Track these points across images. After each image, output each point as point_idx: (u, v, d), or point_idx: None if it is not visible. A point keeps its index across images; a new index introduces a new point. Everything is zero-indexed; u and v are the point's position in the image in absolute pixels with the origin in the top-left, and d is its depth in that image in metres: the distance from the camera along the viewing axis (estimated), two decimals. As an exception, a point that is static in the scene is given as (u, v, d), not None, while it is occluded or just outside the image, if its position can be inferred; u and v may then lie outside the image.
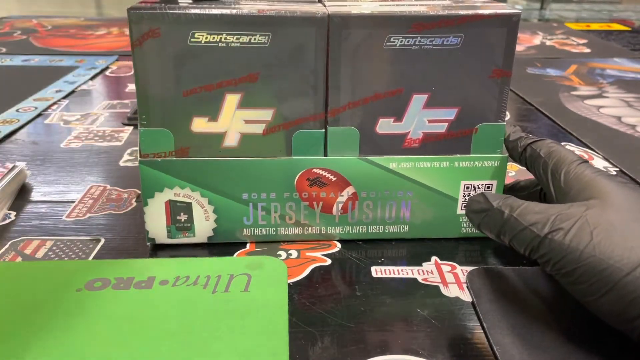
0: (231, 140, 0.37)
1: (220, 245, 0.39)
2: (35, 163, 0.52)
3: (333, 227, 0.39)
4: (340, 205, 0.39)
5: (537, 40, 1.08)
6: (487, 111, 0.37)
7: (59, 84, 0.76)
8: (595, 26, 1.21)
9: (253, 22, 0.34)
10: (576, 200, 0.31)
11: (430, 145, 0.38)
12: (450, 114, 0.37)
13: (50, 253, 0.38)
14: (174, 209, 0.38)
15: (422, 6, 0.37)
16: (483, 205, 0.33)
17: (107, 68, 0.85)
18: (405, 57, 0.35)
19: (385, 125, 0.37)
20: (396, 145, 0.38)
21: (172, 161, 0.37)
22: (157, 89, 0.35)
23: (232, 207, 0.38)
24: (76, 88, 0.75)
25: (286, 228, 0.39)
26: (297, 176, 0.37)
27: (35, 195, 0.47)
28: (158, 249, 0.39)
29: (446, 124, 0.37)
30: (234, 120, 0.36)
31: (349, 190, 0.38)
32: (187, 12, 0.34)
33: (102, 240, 0.40)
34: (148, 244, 0.39)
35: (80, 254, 0.38)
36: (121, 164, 0.53)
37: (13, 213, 0.44)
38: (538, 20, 1.32)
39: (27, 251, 0.38)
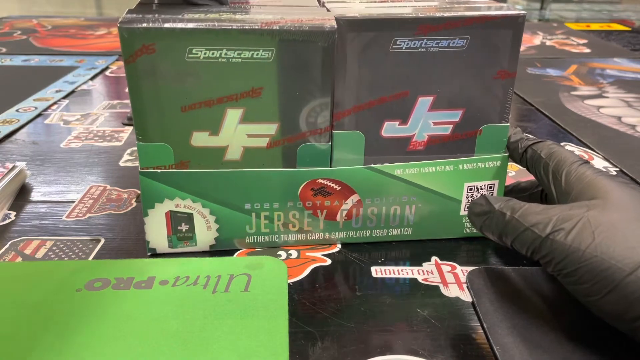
0: (233, 154, 0.36)
1: (221, 246, 0.39)
2: (35, 163, 0.52)
3: (337, 233, 0.39)
4: (345, 213, 0.38)
5: (537, 40, 1.08)
6: (492, 112, 0.37)
7: (59, 84, 0.76)
8: (595, 26, 1.21)
9: (256, 38, 0.32)
10: (577, 201, 0.31)
11: (435, 147, 0.38)
12: (455, 115, 0.37)
13: (50, 253, 0.38)
14: (175, 219, 0.37)
15: (420, 7, 0.37)
16: (485, 208, 0.33)
17: (107, 68, 0.84)
18: (411, 60, 0.35)
19: (390, 129, 0.37)
20: (401, 148, 0.38)
21: (172, 173, 0.36)
22: (153, 105, 0.34)
23: (235, 217, 0.37)
24: (76, 88, 0.75)
25: (288, 235, 0.39)
26: (301, 187, 0.37)
27: (35, 196, 0.47)
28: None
29: (451, 126, 0.37)
30: (236, 135, 0.35)
31: (354, 198, 0.38)
32: (184, 27, 0.32)
33: (102, 241, 0.40)
34: (149, 254, 0.38)
35: (80, 254, 0.38)
36: (121, 164, 0.53)
37: (13, 213, 0.44)
38: (538, 21, 1.32)
39: (27, 251, 0.38)
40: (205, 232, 0.38)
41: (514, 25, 0.35)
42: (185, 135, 0.35)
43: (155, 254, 0.38)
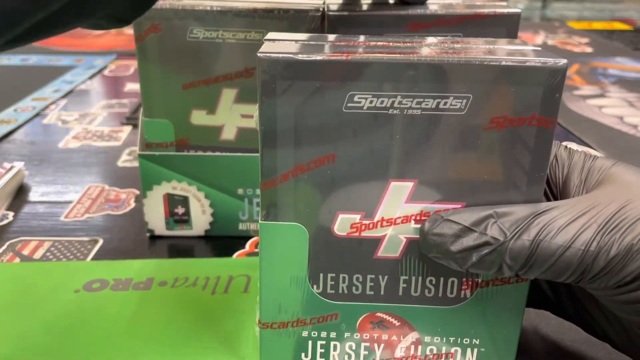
0: (229, 134, 0.38)
1: (219, 242, 0.39)
2: (33, 163, 0.52)
3: None
4: None
5: (539, 39, 1.07)
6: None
7: (57, 84, 0.75)
8: (597, 25, 1.21)
9: (248, 20, 0.35)
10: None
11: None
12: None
13: (48, 254, 0.38)
14: (172, 202, 0.39)
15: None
16: (476, 241, 0.22)
17: (105, 67, 0.84)
18: None
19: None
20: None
21: (169, 156, 0.38)
22: (158, 82, 0.37)
23: (228, 202, 0.39)
24: (74, 88, 0.74)
25: None
26: None
27: (33, 196, 0.46)
28: (157, 240, 0.40)
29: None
30: (231, 114, 0.37)
31: None
32: (186, 8, 0.35)
33: (101, 241, 0.40)
34: (147, 234, 0.40)
35: (78, 254, 0.38)
36: (119, 164, 0.52)
37: (11, 213, 0.43)
38: (540, 20, 1.32)
39: (25, 252, 0.38)
40: (200, 216, 0.39)
41: (508, 24, 0.34)
42: (186, 113, 0.37)
43: (153, 237, 0.40)
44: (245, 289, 0.34)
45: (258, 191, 0.38)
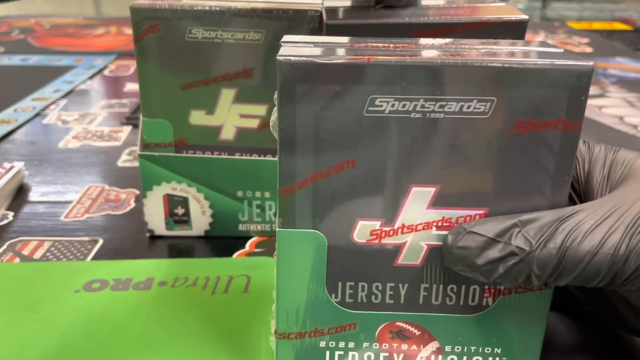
0: (227, 134, 0.38)
1: (219, 242, 0.39)
2: (33, 163, 0.52)
3: None
4: None
5: (538, 39, 1.07)
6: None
7: (57, 84, 0.75)
8: (597, 25, 1.21)
9: (246, 20, 0.35)
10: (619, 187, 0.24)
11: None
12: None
13: (48, 254, 0.38)
14: (172, 202, 0.39)
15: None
16: (501, 253, 0.22)
17: (105, 67, 0.84)
18: None
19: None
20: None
21: (169, 157, 0.38)
22: (157, 82, 0.36)
23: (228, 204, 0.39)
24: (74, 88, 0.74)
25: None
26: None
27: (33, 196, 0.46)
28: (157, 240, 0.40)
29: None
30: (230, 115, 0.37)
31: None
32: (185, 8, 0.35)
33: (101, 241, 0.40)
34: (147, 234, 0.40)
35: (78, 254, 0.38)
36: (119, 164, 0.52)
37: (11, 213, 0.43)
38: (540, 20, 1.32)
39: (25, 252, 0.38)
40: (200, 217, 0.39)
41: (516, 31, 0.33)
42: (184, 113, 0.37)
43: (153, 237, 0.40)
44: (245, 289, 0.34)
45: (258, 194, 0.39)
